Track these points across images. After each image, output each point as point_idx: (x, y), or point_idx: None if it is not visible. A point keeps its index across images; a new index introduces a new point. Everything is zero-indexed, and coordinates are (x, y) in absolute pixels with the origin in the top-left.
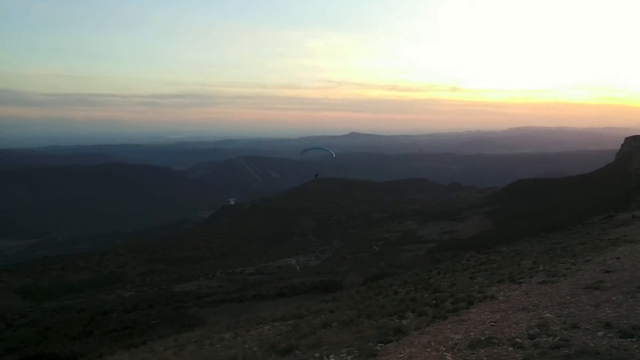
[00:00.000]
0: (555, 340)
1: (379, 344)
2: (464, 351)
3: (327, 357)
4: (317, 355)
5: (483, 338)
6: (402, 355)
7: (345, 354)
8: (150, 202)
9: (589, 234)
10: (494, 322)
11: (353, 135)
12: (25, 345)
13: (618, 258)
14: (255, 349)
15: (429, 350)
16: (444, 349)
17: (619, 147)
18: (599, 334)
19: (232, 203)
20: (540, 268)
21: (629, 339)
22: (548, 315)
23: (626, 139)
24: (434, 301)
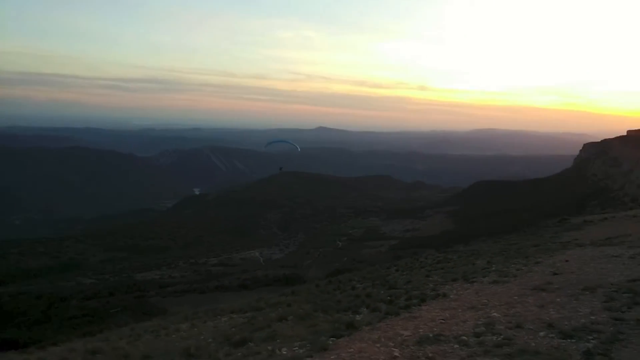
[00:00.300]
0: (499, 339)
1: (331, 338)
2: (412, 347)
3: (280, 350)
4: (269, 348)
5: (431, 335)
6: (352, 350)
7: (297, 347)
8: (112, 188)
9: (542, 237)
10: (443, 320)
11: (320, 129)
12: None
13: (567, 261)
14: (210, 340)
15: (378, 345)
16: (393, 344)
17: (577, 152)
18: (541, 334)
19: (197, 193)
20: (493, 268)
21: (569, 340)
22: (495, 314)
23: (584, 145)
24: (388, 297)
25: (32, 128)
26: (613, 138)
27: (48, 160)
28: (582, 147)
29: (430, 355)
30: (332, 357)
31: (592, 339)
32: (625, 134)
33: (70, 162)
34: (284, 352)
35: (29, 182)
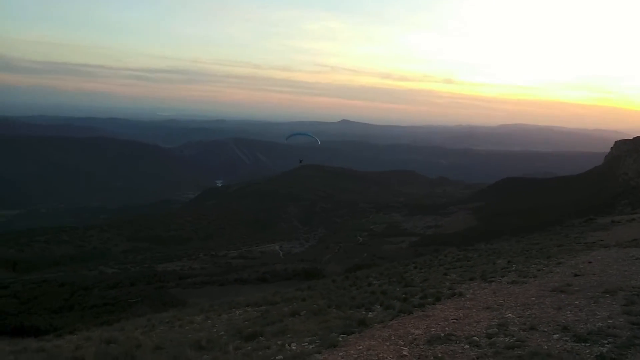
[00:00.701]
0: (511, 340)
1: (342, 335)
2: (422, 346)
3: (289, 345)
4: (279, 342)
5: (442, 334)
6: (361, 347)
7: (307, 343)
8: (136, 178)
9: (567, 237)
10: (456, 320)
11: (344, 122)
12: (5, 317)
13: (590, 262)
14: (222, 333)
15: (387, 343)
16: (403, 343)
17: (608, 149)
18: (555, 336)
19: (219, 185)
20: (513, 268)
21: (583, 343)
22: (510, 315)
23: (616, 142)
24: (403, 295)
25: (58, 117)
26: None
27: (73, 149)
28: (614, 145)
29: (439, 355)
30: (340, 354)
31: (607, 344)
32: None
33: (94, 152)
34: (293, 348)
35: (53, 171)
